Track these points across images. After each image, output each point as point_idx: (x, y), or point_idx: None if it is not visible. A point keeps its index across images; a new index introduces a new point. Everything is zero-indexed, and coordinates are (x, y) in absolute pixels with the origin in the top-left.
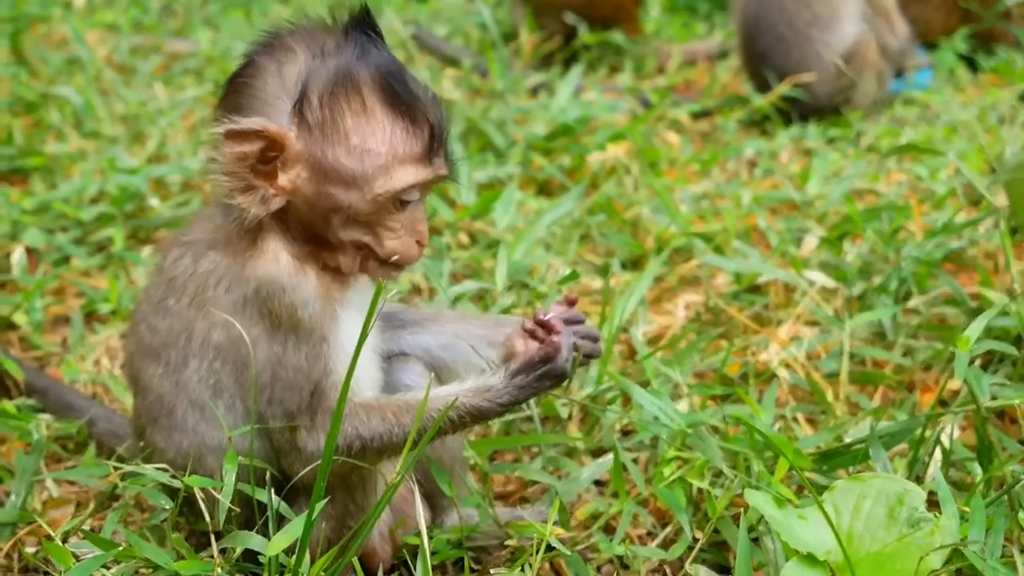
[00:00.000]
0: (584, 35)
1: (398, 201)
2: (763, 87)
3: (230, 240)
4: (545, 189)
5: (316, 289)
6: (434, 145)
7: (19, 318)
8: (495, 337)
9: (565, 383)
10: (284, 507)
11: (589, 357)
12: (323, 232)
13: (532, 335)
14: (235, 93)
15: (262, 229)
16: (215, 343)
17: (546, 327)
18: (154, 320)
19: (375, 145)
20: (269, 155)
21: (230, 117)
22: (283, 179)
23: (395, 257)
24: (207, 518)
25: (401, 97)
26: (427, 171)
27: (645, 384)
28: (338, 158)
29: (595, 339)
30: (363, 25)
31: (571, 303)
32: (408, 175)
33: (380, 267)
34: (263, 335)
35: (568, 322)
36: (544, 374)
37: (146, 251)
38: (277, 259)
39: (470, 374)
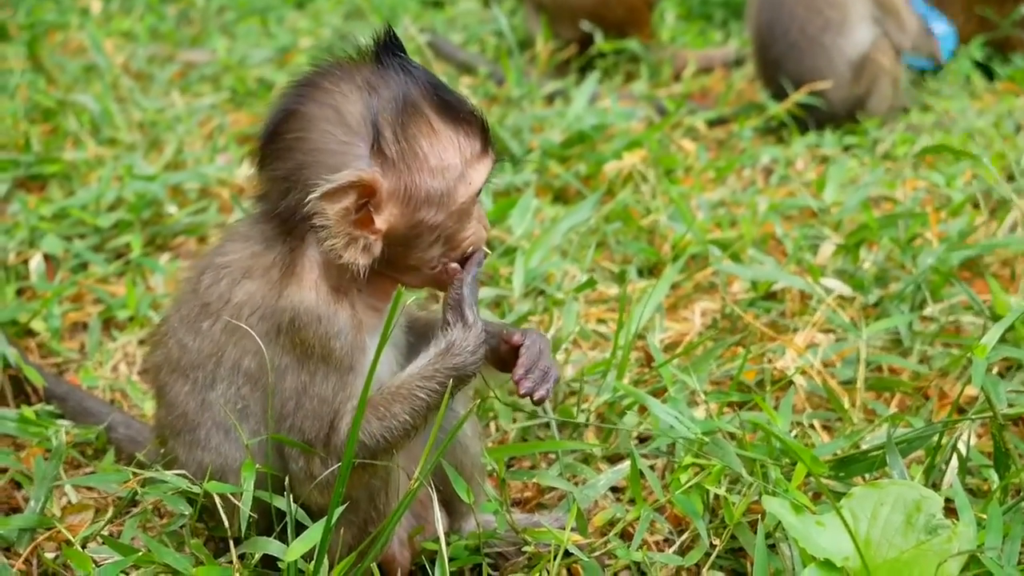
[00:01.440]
0: (600, 43)
1: (472, 201)
2: (779, 94)
3: (267, 269)
4: (561, 196)
5: (349, 320)
6: (487, 136)
7: (37, 325)
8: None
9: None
10: (302, 514)
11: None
12: (403, 258)
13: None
14: (290, 150)
15: (302, 259)
16: (245, 370)
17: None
18: (185, 338)
19: (450, 158)
20: (360, 203)
21: (313, 179)
22: (379, 221)
23: (470, 249)
24: (226, 524)
25: (453, 105)
26: (489, 161)
27: (662, 391)
28: (424, 183)
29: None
30: (392, 47)
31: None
32: (480, 174)
33: (452, 268)
34: (293, 364)
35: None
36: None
37: (164, 258)
38: (315, 289)
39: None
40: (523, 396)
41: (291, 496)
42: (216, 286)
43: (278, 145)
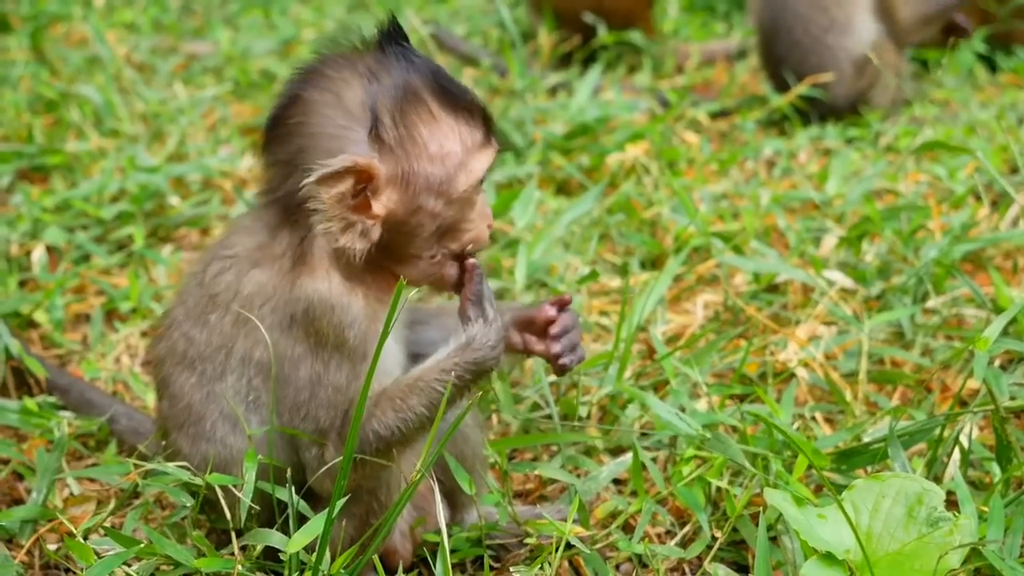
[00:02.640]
0: (603, 35)
1: (474, 191)
2: (782, 87)
3: (276, 258)
4: (564, 188)
5: (363, 309)
6: (489, 125)
7: (40, 316)
8: None
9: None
10: (304, 506)
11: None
12: (404, 247)
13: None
14: (291, 135)
15: (312, 248)
16: (257, 360)
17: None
18: (191, 330)
19: (451, 146)
20: (358, 188)
21: (311, 163)
22: (377, 207)
23: (470, 246)
24: (228, 516)
25: (454, 93)
26: (491, 151)
27: (664, 384)
28: (423, 170)
29: (575, 346)
30: (396, 36)
31: (563, 304)
32: (481, 162)
33: (455, 263)
34: (306, 353)
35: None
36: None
37: (166, 249)
38: (328, 279)
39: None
40: (554, 358)
41: (293, 487)
42: (222, 277)
43: (280, 130)
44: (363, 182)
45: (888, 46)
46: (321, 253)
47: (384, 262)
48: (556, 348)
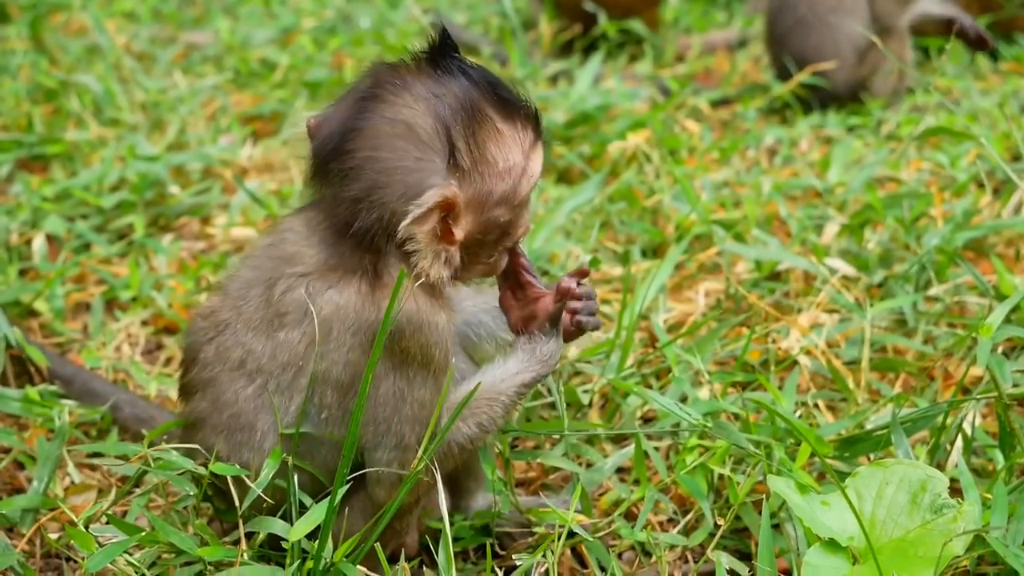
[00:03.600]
0: (604, 23)
1: (531, 190)
2: (783, 72)
3: (351, 279)
4: (565, 177)
5: (447, 326)
6: (538, 123)
7: (40, 305)
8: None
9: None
10: (308, 500)
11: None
12: (476, 256)
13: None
14: (361, 170)
15: (387, 268)
16: (335, 380)
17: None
18: (251, 341)
19: (515, 158)
20: (441, 218)
21: (392, 200)
22: (458, 233)
23: (522, 238)
24: (237, 504)
25: (511, 102)
26: (542, 148)
27: (666, 372)
28: (495, 188)
29: (593, 313)
30: (449, 49)
31: (583, 275)
32: (538, 164)
33: (507, 255)
34: (389, 371)
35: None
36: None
37: (166, 238)
38: (414, 299)
39: (492, 343)
40: (571, 313)
41: (295, 478)
42: (291, 294)
43: (346, 164)
44: (446, 211)
45: (893, 34)
46: (399, 268)
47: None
48: (576, 304)
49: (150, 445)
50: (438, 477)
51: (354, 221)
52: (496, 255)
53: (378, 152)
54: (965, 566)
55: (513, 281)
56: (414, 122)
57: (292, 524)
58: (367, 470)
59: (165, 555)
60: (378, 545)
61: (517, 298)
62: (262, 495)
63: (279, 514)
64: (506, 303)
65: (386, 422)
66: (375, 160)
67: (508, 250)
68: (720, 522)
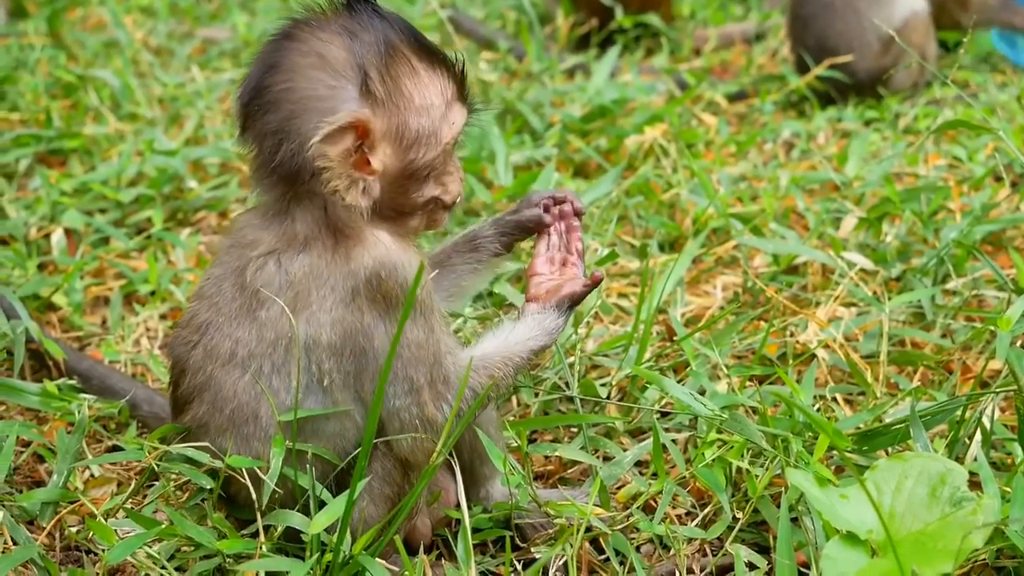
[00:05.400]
0: (620, 17)
1: (454, 143)
2: (801, 60)
3: (313, 239)
4: (582, 171)
5: (417, 260)
6: (464, 80)
7: (59, 299)
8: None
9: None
10: (327, 495)
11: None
12: (402, 201)
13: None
14: (278, 102)
15: (350, 219)
16: (327, 343)
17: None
18: (234, 331)
19: (433, 98)
20: (357, 144)
21: (307, 125)
22: (375, 162)
23: (457, 197)
24: (254, 496)
25: (430, 48)
26: (466, 107)
27: (684, 365)
28: (412, 122)
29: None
30: None
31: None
32: (461, 115)
33: (445, 213)
34: (377, 320)
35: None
36: (573, 304)
37: (185, 232)
38: (381, 242)
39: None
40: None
41: (313, 471)
42: (262, 273)
43: (264, 99)
44: (361, 138)
45: (920, 27)
46: (361, 219)
47: (389, 214)
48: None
49: (160, 442)
50: (455, 465)
51: (277, 154)
52: (420, 208)
53: (293, 83)
54: (984, 559)
55: (563, 254)
56: (327, 53)
57: (310, 516)
58: (385, 438)
59: (184, 548)
60: (397, 537)
61: (551, 270)
62: (275, 488)
63: (296, 507)
64: (534, 270)
65: (391, 371)
66: (290, 91)
67: (445, 208)
68: (738, 515)
